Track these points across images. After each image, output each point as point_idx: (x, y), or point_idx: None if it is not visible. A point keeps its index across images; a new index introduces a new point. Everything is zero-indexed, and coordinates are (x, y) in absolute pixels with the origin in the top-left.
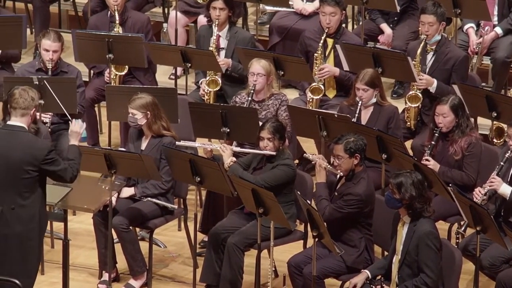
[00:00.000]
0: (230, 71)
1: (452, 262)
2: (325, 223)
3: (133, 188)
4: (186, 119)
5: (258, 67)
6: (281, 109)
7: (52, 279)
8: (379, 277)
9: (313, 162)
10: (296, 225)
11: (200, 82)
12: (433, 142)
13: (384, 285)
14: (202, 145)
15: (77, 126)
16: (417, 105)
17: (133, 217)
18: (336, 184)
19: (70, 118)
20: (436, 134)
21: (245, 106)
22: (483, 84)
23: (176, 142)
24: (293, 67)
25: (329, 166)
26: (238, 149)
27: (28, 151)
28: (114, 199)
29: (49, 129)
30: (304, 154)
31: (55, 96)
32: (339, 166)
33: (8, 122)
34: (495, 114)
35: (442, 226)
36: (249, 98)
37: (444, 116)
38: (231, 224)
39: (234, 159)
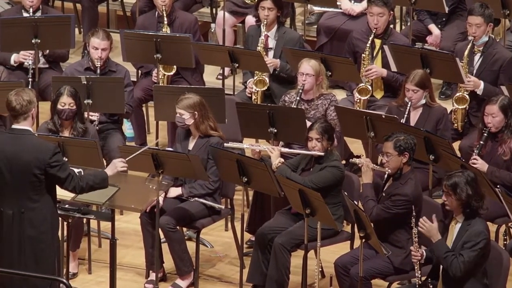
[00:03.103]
0: (278, 72)
1: (499, 264)
2: (372, 224)
3: (180, 188)
4: (233, 119)
5: (308, 67)
6: (330, 109)
7: (99, 279)
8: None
9: (359, 165)
10: (343, 226)
11: (248, 82)
12: (481, 142)
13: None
14: (250, 146)
15: (121, 164)
16: (464, 106)
17: (180, 217)
18: (383, 185)
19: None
20: (485, 134)
21: (294, 105)
22: None
23: (224, 144)
24: (341, 68)
25: (375, 166)
26: (286, 150)
27: (34, 154)
28: (161, 199)
29: (97, 128)
30: (350, 160)
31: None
32: (387, 164)
33: (13, 126)
34: None
35: (489, 228)
36: (297, 98)
37: (493, 116)
38: (278, 225)
39: (282, 160)
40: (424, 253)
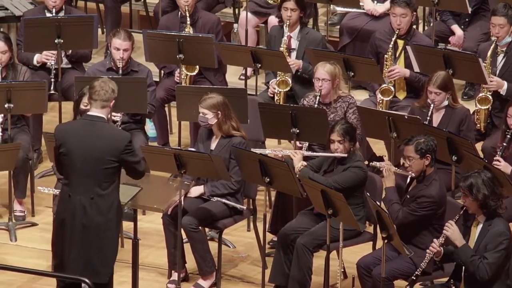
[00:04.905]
0: (301, 72)
1: None
2: (394, 225)
3: (202, 186)
4: (255, 120)
5: (323, 72)
6: (349, 112)
7: (121, 278)
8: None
9: (380, 169)
10: (366, 227)
11: (270, 82)
12: (505, 144)
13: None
14: (273, 151)
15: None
16: (487, 107)
17: (203, 217)
18: (406, 187)
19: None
20: (508, 136)
21: None
22: None
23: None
24: (363, 68)
25: (398, 169)
26: (309, 153)
27: (109, 142)
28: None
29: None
30: (370, 163)
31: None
32: (410, 167)
33: (89, 113)
34: None
35: None
36: (316, 104)
37: None
38: (300, 225)
39: (305, 163)
40: (442, 252)
